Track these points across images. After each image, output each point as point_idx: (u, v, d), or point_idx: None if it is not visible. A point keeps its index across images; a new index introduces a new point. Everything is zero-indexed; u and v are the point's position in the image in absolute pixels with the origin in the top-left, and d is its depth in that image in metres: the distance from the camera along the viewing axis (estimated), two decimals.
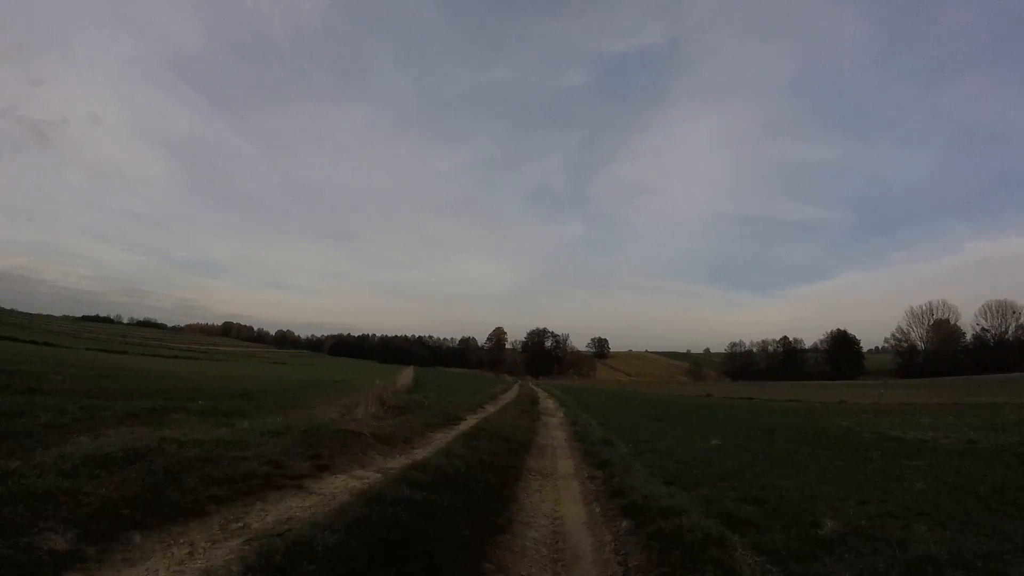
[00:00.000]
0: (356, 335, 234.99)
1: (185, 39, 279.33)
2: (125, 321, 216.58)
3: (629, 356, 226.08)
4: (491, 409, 26.15)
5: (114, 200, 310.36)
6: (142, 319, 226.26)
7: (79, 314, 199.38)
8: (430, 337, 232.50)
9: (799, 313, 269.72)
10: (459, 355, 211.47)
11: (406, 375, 50.97)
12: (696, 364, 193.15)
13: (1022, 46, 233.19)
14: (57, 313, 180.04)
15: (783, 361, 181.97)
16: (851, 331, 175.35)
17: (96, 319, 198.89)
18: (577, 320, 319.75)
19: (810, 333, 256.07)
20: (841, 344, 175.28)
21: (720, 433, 18.27)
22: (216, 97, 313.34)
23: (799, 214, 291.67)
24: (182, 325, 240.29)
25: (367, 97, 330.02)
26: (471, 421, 19.08)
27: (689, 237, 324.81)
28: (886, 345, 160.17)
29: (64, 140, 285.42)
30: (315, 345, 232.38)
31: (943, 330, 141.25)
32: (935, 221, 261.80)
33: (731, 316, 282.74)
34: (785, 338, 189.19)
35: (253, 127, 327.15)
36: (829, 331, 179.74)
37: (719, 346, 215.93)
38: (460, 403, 26.26)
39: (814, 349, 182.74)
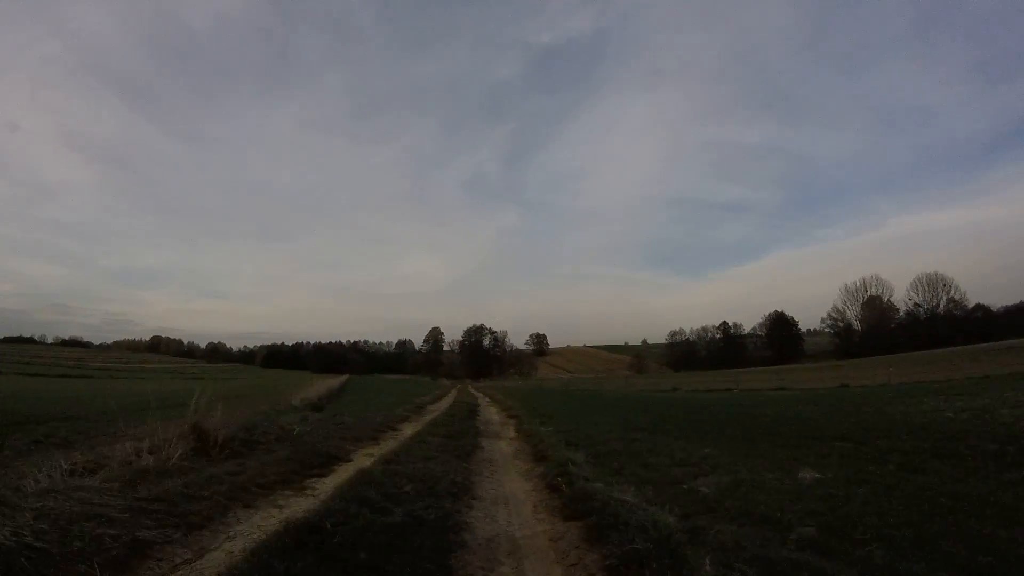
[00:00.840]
0: (291, 344, 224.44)
1: (101, 36, 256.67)
2: (50, 341, 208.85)
3: (569, 352, 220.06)
4: (408, 431, 17.71)
5: (35, 210, 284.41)
6: (68, 338, 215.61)
7: (3, 336, 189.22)
8: (366, 342, 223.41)
9: (733, 294, 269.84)
10: (396, 360, 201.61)
11: (322, 386, 42.64)
12: (638, 356, 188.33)
13: (942, 27, 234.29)
14: None
15: (723, 348, 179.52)
16: (787, 312, 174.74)
17: (20, 340, 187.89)
18: (516, 314, 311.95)
19: (746, 315, 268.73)
20: (780, 326, 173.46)
21: (797, 454, 10.69)
22: (138, 97, 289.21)
23: (729, 195, 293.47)
24: (109, 342, 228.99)
25: (297, 94, 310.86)
26: (359, 462, 10.73)
27: (623, 221, 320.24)
28: (823, 325, 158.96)
29: None
30: (247, 357, 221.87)
31: (876, 307, 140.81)
32: (860, 198, 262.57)
33: (667, 301, 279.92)
34: (724, 323, 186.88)
35: (179, 127, 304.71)
36: (766, 314, 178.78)
37: (655, 336, 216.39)
38: (367, 422, 18.23)
39: (753, 334, 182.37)
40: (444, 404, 34.89)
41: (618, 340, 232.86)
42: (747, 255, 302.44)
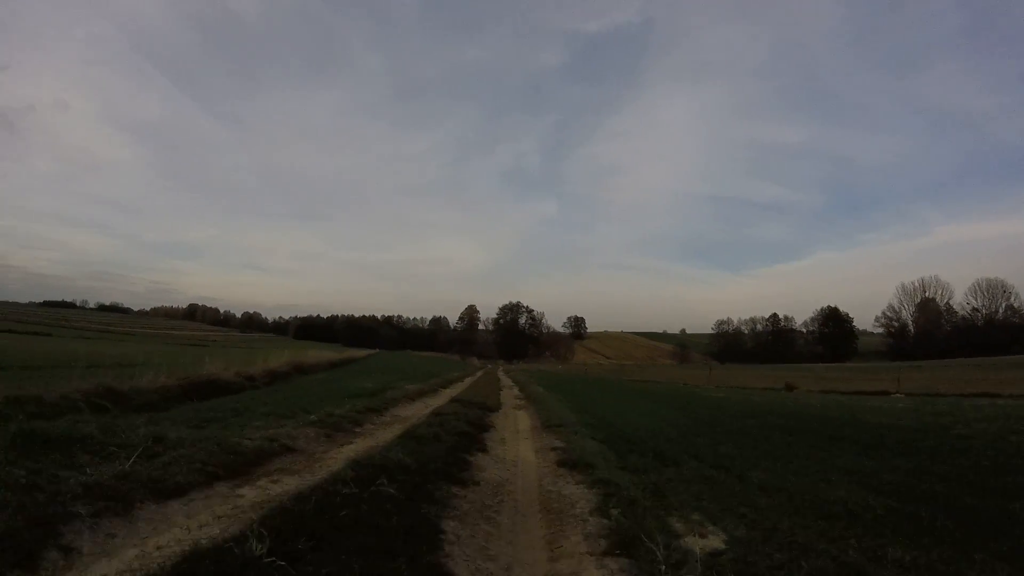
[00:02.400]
0: (326, 317, 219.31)
1: (149, 18, 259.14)
2: (91, 306, 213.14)
3: (607, 337, 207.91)
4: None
5: (83, 185, 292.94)
6: (109, 303, 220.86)
7: (49, 300, 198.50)
8: (399, 318, 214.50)
9: (772, 292, 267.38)
10: (429, 336, 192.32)
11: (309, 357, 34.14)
12: (682, 346, 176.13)
13: (993, 33, 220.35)
14: (24, 300, 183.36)
15: (772, 341, 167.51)
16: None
17: (59, 304, 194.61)
18: (552, 300, 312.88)
19: (785, 312, 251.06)
20: (833, 323, 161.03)
21: None
22: (184, 79, 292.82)
23: (770, 194, 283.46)
24: (147, 309, 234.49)
25: (340, 79, 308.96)
26: None
27: (662, 216, 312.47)
28: (875, 324, 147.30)
29: (31, 127, 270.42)
30: (281, 328, 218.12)
31: (930, 309, 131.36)
32: (905, 204, 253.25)
33: (704, 294, 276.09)
34: (775, 315, 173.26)
35: (224, 109, 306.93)
36: (817, 309, 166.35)
37: (693, 327, 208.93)
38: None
39: (801, 329, 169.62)
40: (446, 394, 24.52)
41: (655, 328, 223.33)
42: (787, 254, 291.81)
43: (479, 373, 56.40)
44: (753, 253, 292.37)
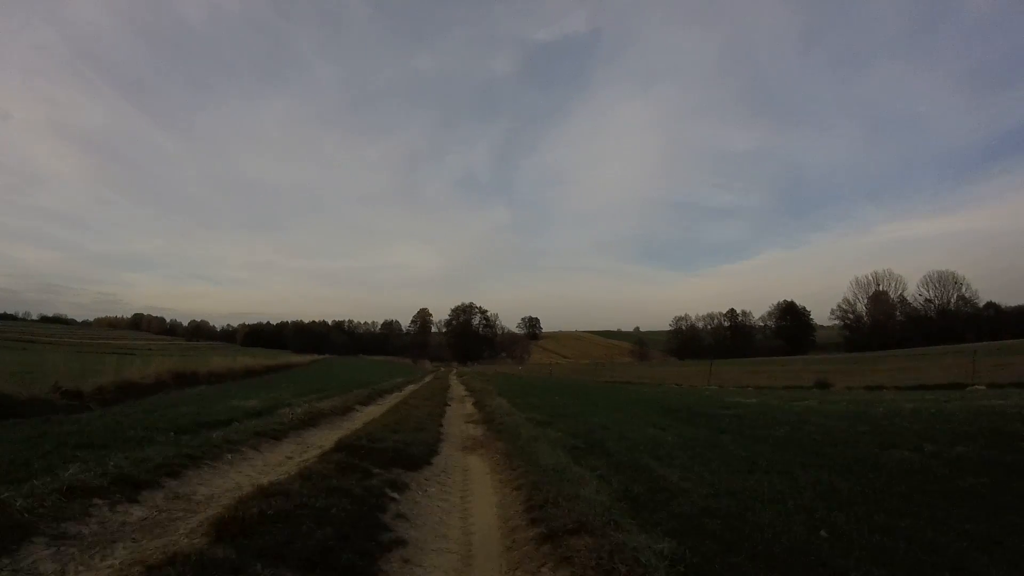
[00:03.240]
0: (275, 323, 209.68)
1: (94, 26, 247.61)
2: (35, 317, 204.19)
3: (563, 336, 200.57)
4: None
5: (26, 197, 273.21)
6: (52, 315, 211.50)
7: None
8: (350, 322, 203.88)
9: (724, 290, 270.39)
10: (381, 341, 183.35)
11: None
12: (640, 343, 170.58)
13: (932, 35, 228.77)
14: None
15: (730, 337, 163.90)
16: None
17: (1, 316, 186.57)
18: (507, 303, 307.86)
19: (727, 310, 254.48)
20: (791, 316, 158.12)
21: None
22: (131, 88, 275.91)
23: (721, 196, 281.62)
24: (91, 320, 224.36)
25: (292, 87, 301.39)
26: None
27: (615, 218, 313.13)
28: (831, 317, 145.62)
29: None
30: (229, 336, 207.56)
31: (882, 301, 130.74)
32: (848, 205, 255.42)
33: (658, 293, 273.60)
34: (732, 311, 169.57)
35: (172, 120, 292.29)
36: (774, 303, 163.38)
37: (647, 325, 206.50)
38: None
39: (759, 323, 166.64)
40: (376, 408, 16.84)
41: (611, 327, 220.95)
42: (737, 254, 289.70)
43: (427, 378, 48.63)
44: (704, 253, 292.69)
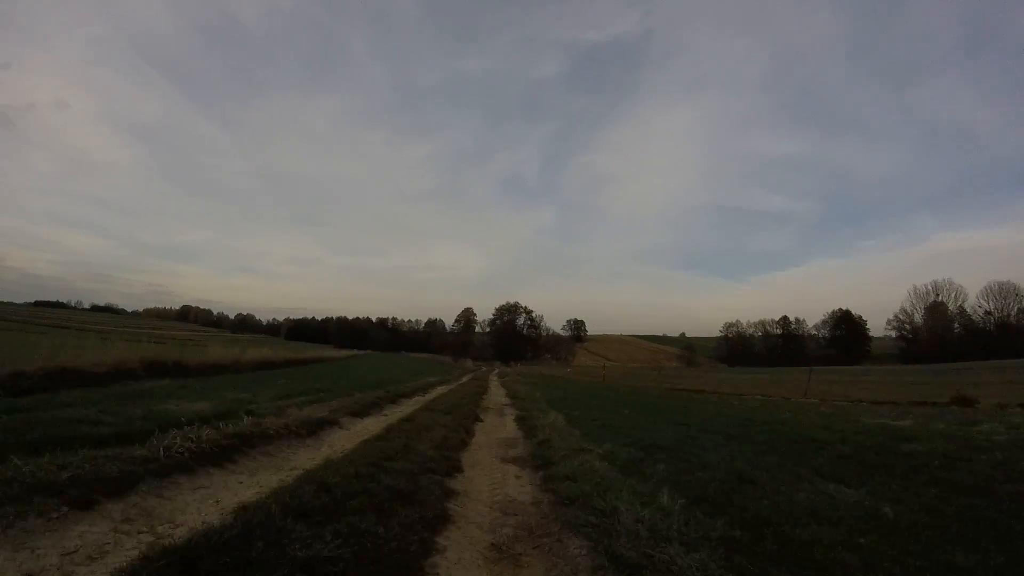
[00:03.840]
0: (319, 319, 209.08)
1: (150, 20, 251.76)
2: (86, 306, 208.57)
3: (608, 340, 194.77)
4: None
5: (81, 186, 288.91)
6: (103, 304, 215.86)
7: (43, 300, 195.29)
8: (394, 319, 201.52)
9: (769, 299, 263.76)
10: (424, 339, 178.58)
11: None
12: (689, 348, 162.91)
13: (990, 46, 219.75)
14: (20, 300, 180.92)
15: (782, 344, 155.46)
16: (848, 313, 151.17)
17: (51, 304, 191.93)
18: (550, 307, 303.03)
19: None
20: (846, 326, 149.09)
21: None
22: (185, 83, 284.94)
23: (768, 204, 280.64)
24: (140, 310, 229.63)
25: (340, 86, 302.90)
26: None
27: (661, 226, 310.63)
28: (887, 328, 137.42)
29: (30, 125, 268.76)
30: (273, 329, 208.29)
31: (939, 312, 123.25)
32: (903, 214, 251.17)
33: (703, 301, 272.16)
34: (785, 318, 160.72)
35: (224, 114, 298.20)
36: (828, 312, 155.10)
37: (692, 331, 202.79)
38: None
39: (813, 332, 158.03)
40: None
41: (657, 332, 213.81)
42: (785, 262, 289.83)
43: (464, 378, 43.23)
44: (751, 261, 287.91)
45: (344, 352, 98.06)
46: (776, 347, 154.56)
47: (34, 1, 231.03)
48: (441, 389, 26.11)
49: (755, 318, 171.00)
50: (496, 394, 25.96)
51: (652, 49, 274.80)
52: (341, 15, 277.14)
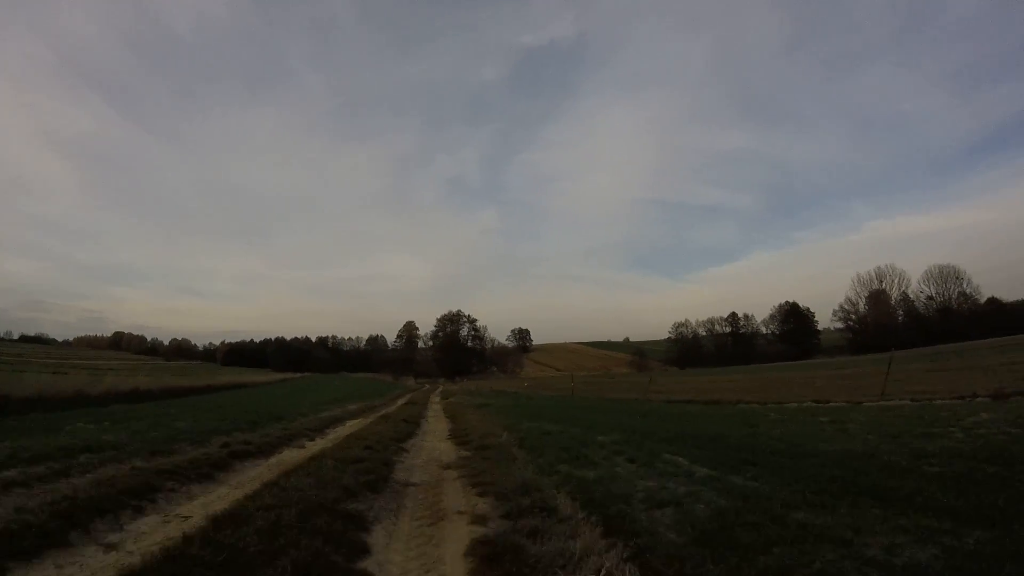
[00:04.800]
0: (259, 341, 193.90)
1: (78, 34, 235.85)
2: (15, 337, 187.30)
3: (555, 348, 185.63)
4: None
5: (10, 204, 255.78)
6: (34, 334, 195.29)
7: None
8: (334, 338, 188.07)
9: (710, 296, 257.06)
10: (365, 357, 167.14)
11: None
12: (640, 353, 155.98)
13: (917, 34, 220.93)
14: None
15: (732, 343, 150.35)
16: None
17: None
18: (495, 314, 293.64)
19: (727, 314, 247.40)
20: (795, 319, 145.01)
21: None
22: (118, 96, 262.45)
23: (710, 198, 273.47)
24: (71, 339, 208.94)
25: (280, 95, 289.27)
26: None
27: (605, 224, 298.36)
28: (833, 318, 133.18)
29: None
30: (210, 355, 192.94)
31: (881, 300, 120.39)
32: (836, 203, 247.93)
33: (647, 302, 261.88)
34: (734, 315, 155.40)
35: (160, 127, 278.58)
36: (775, 306, 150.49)
37: (636, 335, 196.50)
38: None
39: (761, 328, 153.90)
40: None
41: (603, 338, 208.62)
42: (725, 257, 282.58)
43: (400, 401, 33.69)
44: (693, 256, 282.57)
45: (275, 376, 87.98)
46: (726, 346, 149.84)
47: None
48: (352, 425, 16.69)
49: (701, 317, 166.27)
50: (435, 429, 16.51)
51: (589, 49, 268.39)
52: (277, 25, 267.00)
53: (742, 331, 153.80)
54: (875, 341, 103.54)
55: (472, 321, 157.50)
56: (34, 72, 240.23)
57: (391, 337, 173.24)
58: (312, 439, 13.24)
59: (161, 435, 11.48)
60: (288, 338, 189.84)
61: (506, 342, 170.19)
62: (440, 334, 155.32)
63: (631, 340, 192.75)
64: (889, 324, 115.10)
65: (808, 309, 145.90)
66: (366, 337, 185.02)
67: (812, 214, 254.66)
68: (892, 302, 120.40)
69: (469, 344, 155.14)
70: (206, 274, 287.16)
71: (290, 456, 10.45)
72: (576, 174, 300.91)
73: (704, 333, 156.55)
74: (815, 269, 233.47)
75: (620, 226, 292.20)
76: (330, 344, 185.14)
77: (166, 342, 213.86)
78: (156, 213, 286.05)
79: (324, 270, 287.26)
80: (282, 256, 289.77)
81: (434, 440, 13.65)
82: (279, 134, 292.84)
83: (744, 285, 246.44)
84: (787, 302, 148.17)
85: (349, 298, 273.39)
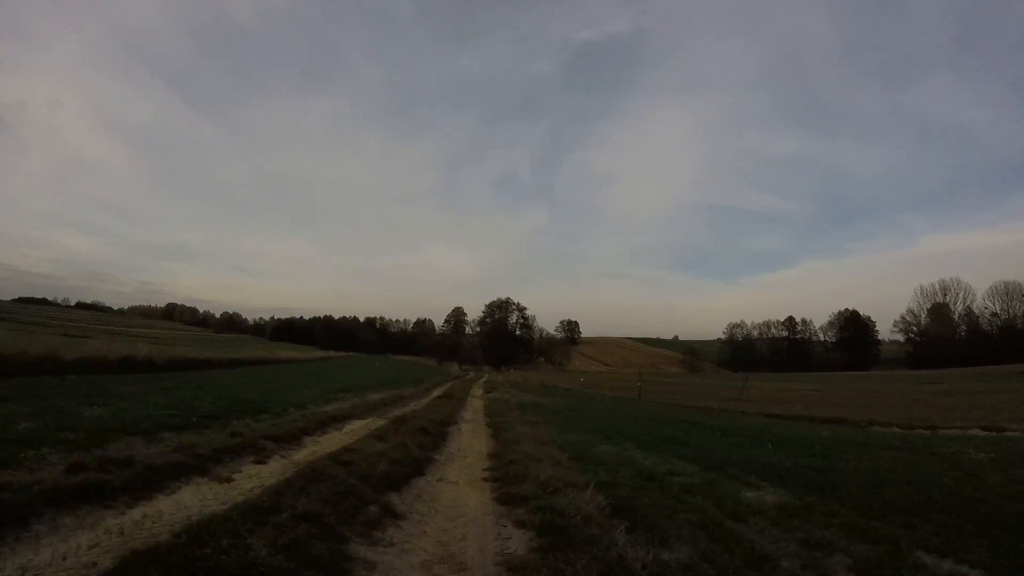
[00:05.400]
0: (308, 318, 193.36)
1: (144, 22, 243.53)
2: (73, 304, 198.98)
3: (603, 343, 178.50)
4: None
5: (74, 185, 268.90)
6: (90, 302, 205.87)
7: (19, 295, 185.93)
8: (381, 319, 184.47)
9: (761, 300, 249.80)
10: (411, 340, 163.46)
11: None
12: (692, 353, 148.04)
13: (983, 46, 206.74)
14: (7, 297, 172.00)
15: (789, 348, 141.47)
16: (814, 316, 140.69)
17: (35, 301, 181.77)
18: (542, 307, 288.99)
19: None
20: (854, 328, 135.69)
21: None
22: (179, 83, 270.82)
23: (761, 203, 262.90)
24: (125, 308, 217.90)
25: (336, 86, 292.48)
26: None
27: (654, 226, 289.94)
28: (894, 330, 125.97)
29: (22, 125, 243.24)
30: (259, 329, 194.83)
31: (942, 314, 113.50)
32: (894, 214, 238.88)
33: (695, 303, 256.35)
34: (791, 318, 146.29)
35: (217, 114, 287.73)
36: (834, 312, 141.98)
37: (685, 334, 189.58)
38: None
39: (819, 335, 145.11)
40: None
41: (649, 335, 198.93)
42: (777, 263, 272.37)
43: (436, 391, 28.52)
44: (742, 262, 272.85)
45: (316, 353, 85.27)
46: (781, 351, 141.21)
47: (27, 3, 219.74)
48: (347, 432, 11.24)
49: (748, 320, 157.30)
50: (467, 450, 10.75)
51: (646, 48, 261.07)
52: (335, 16, 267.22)
53: (799, 336, 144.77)
54: (936, 355, 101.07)
55: (521, 309, 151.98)
56: (97, 56, 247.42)
57: (439, 322, 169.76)
58: (265, 459, 7.82)
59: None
60: (333, 317, 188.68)
61: (554, 333, 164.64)
62: (488, 320, 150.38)
63: (681, 338, 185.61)
64: (951, 339, 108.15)
65: (869, 318, 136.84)
66: (414, 320, 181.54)
67: (868, 225, 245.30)
68: (955, 316, 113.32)
69: (517, 332, 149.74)
70: (258, 255, 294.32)
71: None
72: (627, 175, 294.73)
73: (758, 336, 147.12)
74: (870, 280, 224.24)
75: (669, 228, 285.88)
76: (378, 326, 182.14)
77: (217, 315, 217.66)
78: (212, 196, 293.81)
79: (371, 257, 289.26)
80: (332, 241, 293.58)
81: (460, 480, 7.94)
82: (333, 125, 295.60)
83: (794, 292, 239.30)
84: (847, 309, 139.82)
85: (396, 284, 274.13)
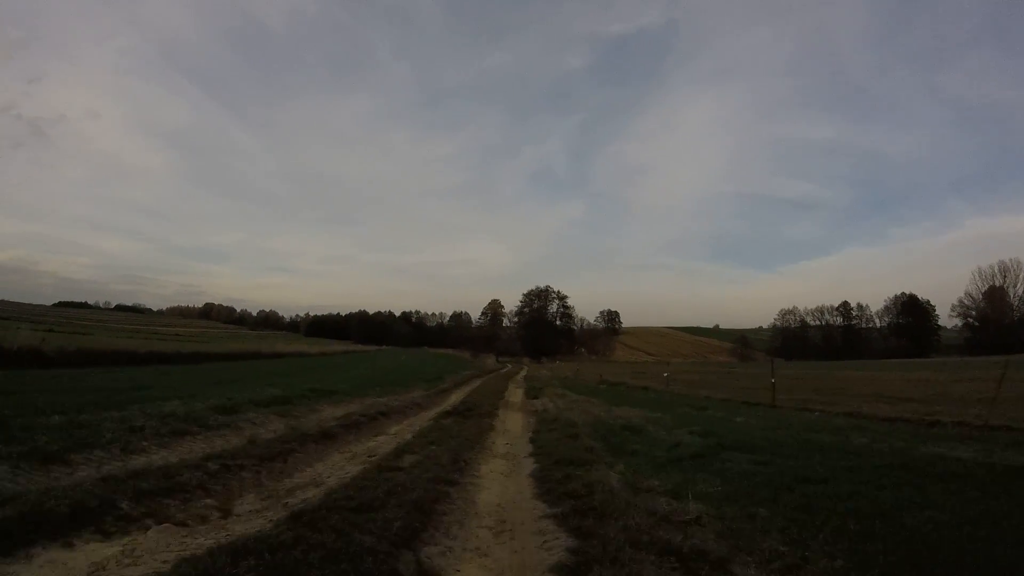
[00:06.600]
0: (344, 314, 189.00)
1: (178, 29, 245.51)
2: (113, 306, 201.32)
3: (646, 332, 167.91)
4: None
5: (114, 191, 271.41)
6: (129, 304, 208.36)
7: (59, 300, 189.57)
8: (416, 313, 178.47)
9: (801, 288, 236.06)
10: (447, 332, 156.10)
11: None
12: (744, 342, 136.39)
13: (1020, 24, 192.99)
14: (50, 302, 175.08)
15: (843, 334, 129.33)
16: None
17: (75, 305, 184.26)
18: (580, 298, 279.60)
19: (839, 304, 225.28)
20: (912, 313, 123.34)
21: None
22: (212, 87, 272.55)
23: (798, 191, 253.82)
24: (164, 309, 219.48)
25: (367, 85, 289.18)
26: None
27: (690, 216, 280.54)
28: (952, 315, 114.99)
29: (63, 135, 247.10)
30: (295, 326, 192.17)
31: (997, 298, 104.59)
32: (935, 198, 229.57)
33: (734, 292, 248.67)
34: (845, 304, 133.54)
35: (251, 116, 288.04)
36: (890, 297, 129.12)
37: (729, 323, 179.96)
38: None
39: (875, 320, 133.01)
40: None
41: (691, 324, 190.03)
42: (815, 251, 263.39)
43: (452, 398, 19.52)
44: (781, 250, 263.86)
45: (342, 346, 79.02)
46: (834, 338, 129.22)
47: (62, 15, 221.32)
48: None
49: (809, 305, 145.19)
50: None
51: (678, 39, 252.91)
52: (364, 16, 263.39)
53: (854, 323, 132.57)
54: (995, 340, 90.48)
55: (562, 298, 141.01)
56: (133, 64, 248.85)
57: (476, 315, 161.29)
58: None
59: None
60: (367, 312, 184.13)
61: (595, 323, 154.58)
62: (526, 310, 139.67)
63: (721, 327, 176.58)
64: (1010, 322, 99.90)
65: (928, 302, 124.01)
66: (450, 313, 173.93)
67: (909, 210, 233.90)
68: (1013, 299, 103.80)
69: (558, 322, 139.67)
70: (294, 254, 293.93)
71: None
72: (661, 166, 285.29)
73: (812, 322, 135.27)
74: (915, 266, 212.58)
75: (704, 218, 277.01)
76: (414, 320, 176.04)
77: (254, 313, 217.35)
78: (248, 197, 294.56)
79: (408, 254, 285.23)
80: (367, 239, 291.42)
81: None
82: (365, 124, 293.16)
83: (837, 279, 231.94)
84: (903, 293, 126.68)
85: (432, 279, 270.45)
